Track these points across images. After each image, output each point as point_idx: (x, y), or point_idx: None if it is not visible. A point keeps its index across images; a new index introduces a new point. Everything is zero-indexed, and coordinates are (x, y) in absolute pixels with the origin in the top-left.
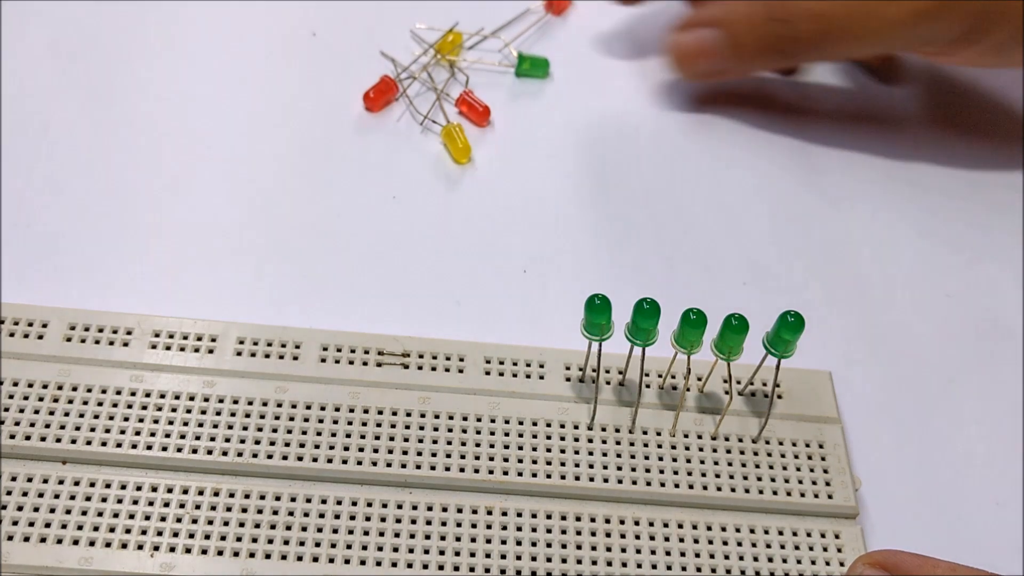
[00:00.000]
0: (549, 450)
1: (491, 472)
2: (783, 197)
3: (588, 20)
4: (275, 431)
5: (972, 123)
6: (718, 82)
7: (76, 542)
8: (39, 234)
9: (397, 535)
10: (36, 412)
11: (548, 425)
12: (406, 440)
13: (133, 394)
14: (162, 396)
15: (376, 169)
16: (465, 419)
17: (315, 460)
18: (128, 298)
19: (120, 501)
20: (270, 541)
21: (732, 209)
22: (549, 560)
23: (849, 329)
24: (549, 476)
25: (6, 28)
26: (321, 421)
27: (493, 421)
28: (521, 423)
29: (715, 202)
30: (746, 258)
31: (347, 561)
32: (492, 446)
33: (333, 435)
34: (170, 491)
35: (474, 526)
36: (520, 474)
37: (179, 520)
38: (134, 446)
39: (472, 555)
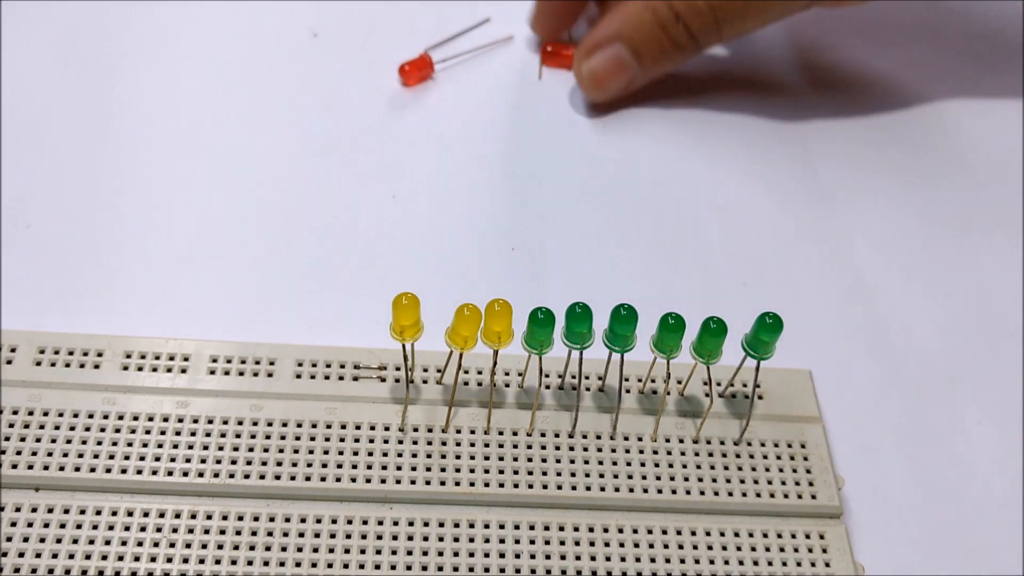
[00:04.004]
0: (530, 460)
1: (472, 484)
2: (780, 195)
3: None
4: (251, 450)
5: (971, 122)
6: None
7: (51, 571)
8: (5, 254)
9: (379, 552)
10: (7, 439)
11: (529, 435)
12: (385, 455)
13: (106, 417)
14: (135, 418)
15: (368, 175)
16: (444, 431)
17: (293, 478)
18: (98, 318)
19: (95, 527)
20: (249, 563)
21: (730, 209)
22: (534, 572)
23: (842, 328)
24: (531, 486)
25: (6, 28)
26: (298, 438)
27: (473, 432)
28: (501, 433)
29: (714, 201)
30: (745, 258)
31: None
32: (473, 458)
33: (311, 452)
34: (146, 515)
35: (456, 540)
36: (502, 485)
37: (156, 544)
38: (108, 470)
39: (455, 569)
